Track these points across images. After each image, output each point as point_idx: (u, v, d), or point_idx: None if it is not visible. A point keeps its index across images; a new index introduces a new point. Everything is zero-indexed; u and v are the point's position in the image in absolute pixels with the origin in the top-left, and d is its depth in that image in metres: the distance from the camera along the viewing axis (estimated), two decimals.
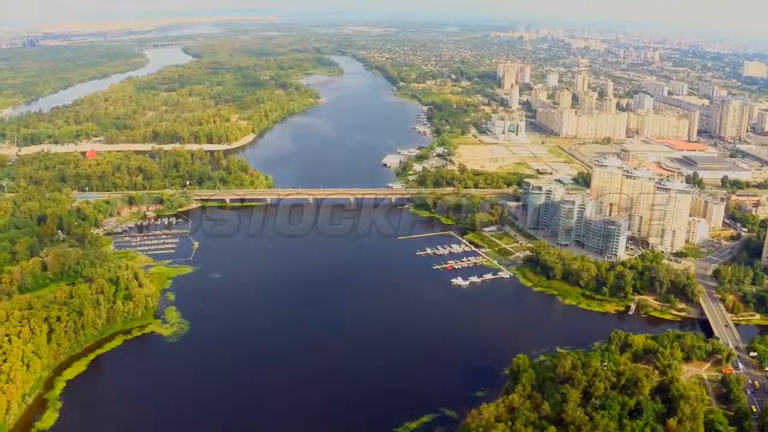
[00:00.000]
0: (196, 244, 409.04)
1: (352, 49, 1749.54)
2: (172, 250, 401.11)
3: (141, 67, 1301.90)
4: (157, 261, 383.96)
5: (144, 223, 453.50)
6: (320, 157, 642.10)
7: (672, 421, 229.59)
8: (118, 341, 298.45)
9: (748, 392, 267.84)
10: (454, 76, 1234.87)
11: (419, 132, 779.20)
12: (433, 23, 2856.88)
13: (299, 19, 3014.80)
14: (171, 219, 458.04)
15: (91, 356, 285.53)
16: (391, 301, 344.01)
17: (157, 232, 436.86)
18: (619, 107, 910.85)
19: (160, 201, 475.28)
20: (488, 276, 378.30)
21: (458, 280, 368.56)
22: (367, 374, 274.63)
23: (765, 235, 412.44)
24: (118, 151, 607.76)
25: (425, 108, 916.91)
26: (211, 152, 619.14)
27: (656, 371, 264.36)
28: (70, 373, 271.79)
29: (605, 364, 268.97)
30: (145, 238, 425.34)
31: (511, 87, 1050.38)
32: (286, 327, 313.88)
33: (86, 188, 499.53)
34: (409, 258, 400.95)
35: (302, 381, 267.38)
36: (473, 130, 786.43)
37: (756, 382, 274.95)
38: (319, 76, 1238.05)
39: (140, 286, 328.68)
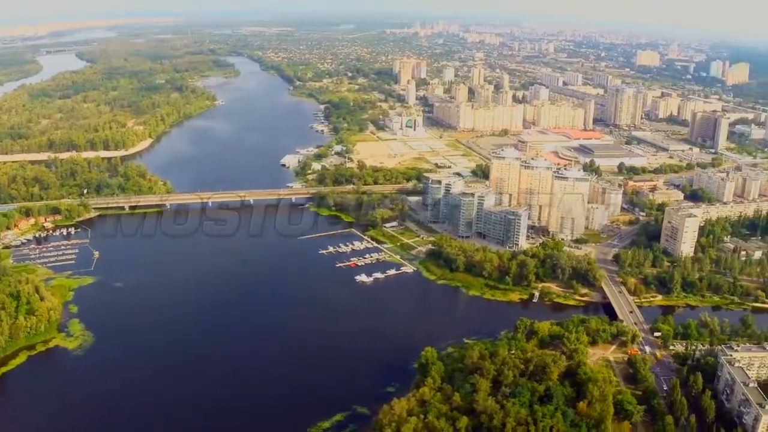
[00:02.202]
0: (96, 254, 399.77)
1: (248, 50, 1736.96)
2: (72, 261, 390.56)
3: (34, 74, 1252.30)
4: (57, 273, 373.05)
5: (42, 235, 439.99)
6: (219, 160, 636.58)
7: (582, 404, 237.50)
8: (22, 357, 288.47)
9: (656, 371, 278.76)
10: (350, 74, 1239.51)
11: (317, 131, 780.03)
12: (329, 21, 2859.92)
13: (195, 20, 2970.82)
14: (70, 229, 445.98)
15: None
16: (296, 302, 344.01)
17: (56, 243, 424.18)
18: (515, 99, 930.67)
19: (58, 211, 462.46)
20: (392, 271, 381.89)
21: (362, 277, 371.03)
22: (277, 377, 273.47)
23: (663, 218, 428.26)
24: (12, 162, 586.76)
25: (322, 106, 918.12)
26: (109, 159, 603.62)
27: (563, 356, 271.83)
28: None
29: (513, 352, 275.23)
30: (44, 249, 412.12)
31: (408, 83, 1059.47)
32: (192, 334, 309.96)
33: None
34: (312, 257, 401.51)
35: (211, 387, 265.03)
36: (371, 127, 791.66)
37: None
38: (216, 78, 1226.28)
39: (42, 299, 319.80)
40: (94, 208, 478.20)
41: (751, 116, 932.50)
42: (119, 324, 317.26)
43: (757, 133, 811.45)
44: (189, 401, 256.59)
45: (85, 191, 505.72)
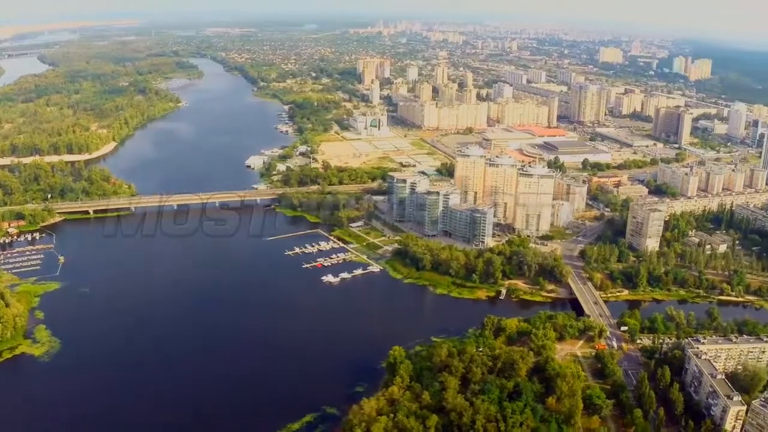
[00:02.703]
0: (61, 259, 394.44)
1: (212, 51, 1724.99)
2: (38, 267, 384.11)
3: None
4: (22, 279, 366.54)
5: (6, 241, 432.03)
6: (183, 162, 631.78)
7: (551, 400, 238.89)
8: None
9: (624, 365, 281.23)
10: (314, 74, 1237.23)
11: (281, 131, 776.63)
12: (293, 22, 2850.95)
13: (158, 22, 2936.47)
14: (34, 234, 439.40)
15: None
16: (263, 304, 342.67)
17: (21, 249, 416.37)
18: (479, 97, 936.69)
19: (22, 217, 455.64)
20: (358, 271, 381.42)
21: (329, 278, 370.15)
22: (245, 379, 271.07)
23: (627, 213, 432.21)
24: None
25: (286, 107, 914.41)
26: (72, 163, 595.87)
27: (531, 352, 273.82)
28: None
29: (481, 349, 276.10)
30: (8, 255, 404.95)
31: (372, 82, 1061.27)
32: (160, 337, 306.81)
33: None
34: (278, 258, 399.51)
35: (179, 390, 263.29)
36: (335, 127, 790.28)
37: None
38: (179, 79, 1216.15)
39: (7, 306, 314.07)
40: (59, 213, 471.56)
41: (714, 111, 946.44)
42: (86, 329, 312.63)
43: (720, 128, 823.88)
44: (157, 405, 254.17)
45: (49, 196, 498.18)
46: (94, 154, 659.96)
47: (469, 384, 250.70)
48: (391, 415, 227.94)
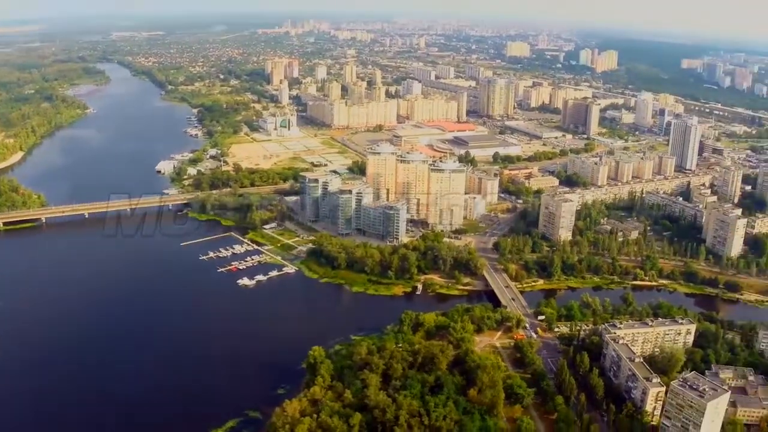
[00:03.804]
0: None
1: (118, 56, 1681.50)
2: None
3: None
4: None
5: None
6: (93, 170, 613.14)
7: (473, 391, 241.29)
8: None
9: (543, 354, 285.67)
10: (222, 76, 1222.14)
11: (191, 135, 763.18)
12: (200, 23, 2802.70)
13: (63, 27, 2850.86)
14: None
15: None
16: (179, 311, 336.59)
17: None
18: (388, 95, 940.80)
19: None
20: (274, 273, 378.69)
21: (244, 281, 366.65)
22: (164, 387, 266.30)
23: (539, 205, 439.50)
24: None
25: (195, 110, 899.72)
26: None
27: (451, 346, 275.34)
28: None
29: (400, 345, 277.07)
30: None
31: (281, 83, 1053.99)
32: (73, 348, 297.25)
33: None
34: (192, 264, 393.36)
35: (95, 402, 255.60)
36: (245, 129, 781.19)
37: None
38: (86, 85, 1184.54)
39: None
40: None
41: (621, 101, 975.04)
42: None
43: (627, 117, 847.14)
44: (73, 417, 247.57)
45: None
46: (1, 165, 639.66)
47: (390, 380, 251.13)
48: (315, 416, 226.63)
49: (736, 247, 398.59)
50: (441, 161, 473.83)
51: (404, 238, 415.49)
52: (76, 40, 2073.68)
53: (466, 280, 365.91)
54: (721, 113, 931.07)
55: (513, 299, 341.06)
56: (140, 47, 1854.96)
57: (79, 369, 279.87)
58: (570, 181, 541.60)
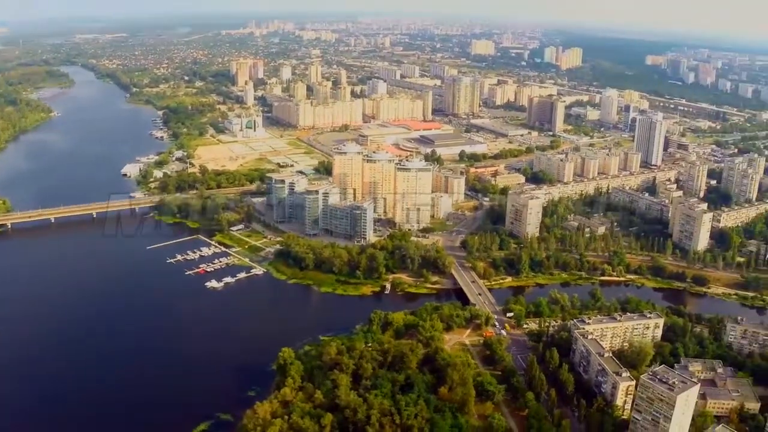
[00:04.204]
0: None
1: (82, 59, 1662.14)
2: None
3: None
4: None
5: None
6: (59, 174, 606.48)
7: (443, 389, 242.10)
8: None
9: (512, 350, 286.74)
10: (187, 78, 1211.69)
11: (156, 137, 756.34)
12: (164, 25, 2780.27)
13: (26, 30, 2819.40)
14: None
15: None
16: (148, 315, 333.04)
17: None
18: (353, 94, 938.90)
19: None
20: (242, 275, 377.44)
21: (213, 283, 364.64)
22: (133, 392, 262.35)
23: (506, 202, 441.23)
24: None
25: (160, 112, 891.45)
26: None
27: (420, 344, 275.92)
28: None
29: (369, 344, 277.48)
30: None
31: (246, 84, 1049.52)
32: (41, 354, 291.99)
33: None
34: (160, 267, 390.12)
35: (64, 408, 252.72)
36: (211, 131, 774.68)
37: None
38: (51, 89, 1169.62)
39: None
40: None
41: (586, 98, 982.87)
42: None
43: (592, 114, 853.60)
44: (44, 423, 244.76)
45: None
46: None
47: (360, 380, 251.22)
48: (286, 417, 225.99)
49: (703, 241, 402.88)
50: (407, 160, 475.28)
51: (372, 238, 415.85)
52: (40, 43, 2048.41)
53: (435, 278, 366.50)
54: (685, 109, 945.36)
55: (480, 294, 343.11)
56: (104, 50, 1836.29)
57: (42, 377, 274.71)
58: (536, 178, 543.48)
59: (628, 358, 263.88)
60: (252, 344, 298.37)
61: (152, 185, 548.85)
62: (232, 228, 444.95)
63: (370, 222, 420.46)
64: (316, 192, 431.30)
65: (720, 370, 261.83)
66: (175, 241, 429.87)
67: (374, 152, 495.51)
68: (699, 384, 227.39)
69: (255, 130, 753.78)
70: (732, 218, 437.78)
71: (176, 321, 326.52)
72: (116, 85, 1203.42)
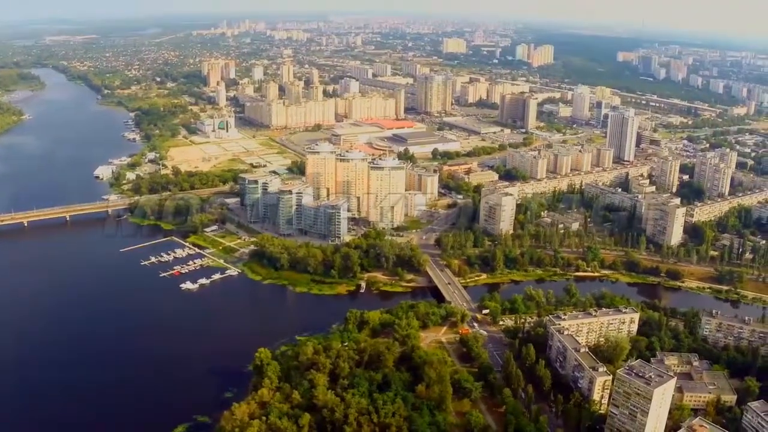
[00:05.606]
0: None
1: (53, 60, 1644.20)
2: None
3: None
4: None
5: None
6: (30, 177, 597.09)
7: (421, 387, 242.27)
8: None
9: (489, 347, 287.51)
10: (159, 79, 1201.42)
11: (129, 139, 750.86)
12: (135, 26, 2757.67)
13: None
14: None
15: None
16: (122, 317, 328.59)
17: None
18: (326, 94, 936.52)
19: None
20: (217, 276, 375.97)
21: (187, 285, 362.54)
22: (109, 395, 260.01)
23: (480, 200, 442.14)
24: None
25: (132, 114, 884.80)
26: None
27: (396, 343, 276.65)
28: None
29: (346, 344, 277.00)
30: None
31: (218, 84, 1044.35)
32: (17, 358, 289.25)
33: None
34: (134, 269, 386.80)
35: (43, 412, 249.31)
36: (183, 132, 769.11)
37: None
38: (22, 91, 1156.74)
39: None
40: None
41: (558, 95, 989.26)
42: None
43: (564, 111, 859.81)
44: (17, 426, 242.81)
45: None
46: None
47: (338, 379, 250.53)
48: (264, 418, 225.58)
49: (676, 236, 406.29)
50: (380, 159, 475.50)
51: (346, 237, 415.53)
52: (9, 45, 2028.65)
53: (410, 276, 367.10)
54: (657, 104, 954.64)
55: (457, 294, 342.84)
56: (75, 51, 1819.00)
57: (14, 381, 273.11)
58: (509, 175, 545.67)
59: (605, 353, 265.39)
60: (228, 345, 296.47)
61: (125, 187, 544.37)
62: (206, 229, 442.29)
63: (344, 221, 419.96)
64: (290, 192, 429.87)
65: (696, 364, 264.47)
66: (149, 242, 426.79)
67: (347, 151, 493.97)
68: (675, 378, 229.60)
69: (227, 131, 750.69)
70: (705, 213, 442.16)
71: (151, 323, 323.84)
72: (88, 87, 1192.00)
